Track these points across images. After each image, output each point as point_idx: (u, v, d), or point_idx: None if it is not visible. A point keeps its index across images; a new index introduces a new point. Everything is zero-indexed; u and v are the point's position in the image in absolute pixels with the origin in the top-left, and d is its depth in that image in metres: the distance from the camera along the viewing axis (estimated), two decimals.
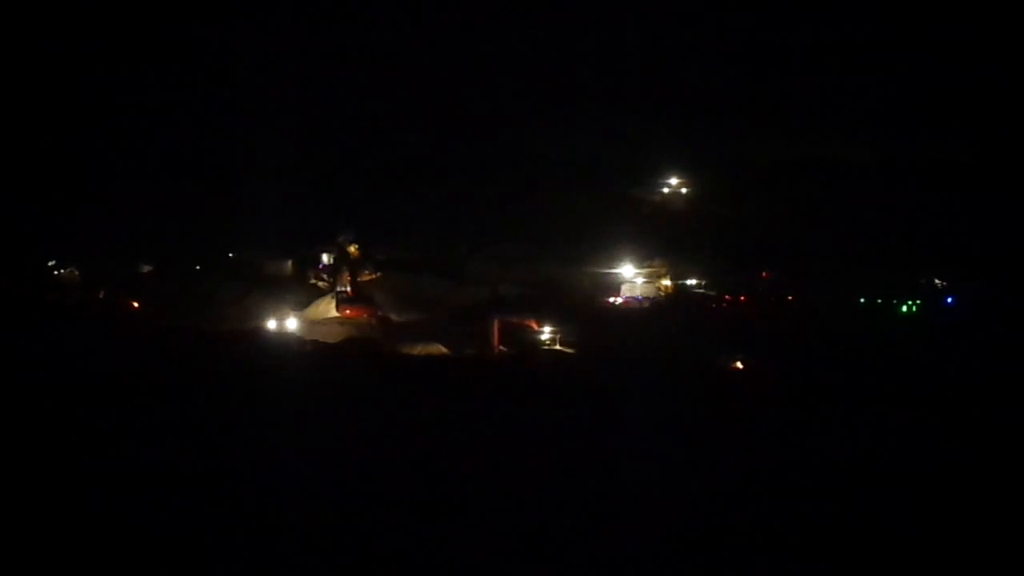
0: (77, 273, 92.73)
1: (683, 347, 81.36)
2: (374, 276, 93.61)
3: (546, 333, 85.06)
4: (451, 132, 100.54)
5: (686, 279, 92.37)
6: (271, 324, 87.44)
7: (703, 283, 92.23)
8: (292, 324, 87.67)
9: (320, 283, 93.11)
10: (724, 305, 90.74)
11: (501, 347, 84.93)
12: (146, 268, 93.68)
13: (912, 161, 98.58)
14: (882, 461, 59.86)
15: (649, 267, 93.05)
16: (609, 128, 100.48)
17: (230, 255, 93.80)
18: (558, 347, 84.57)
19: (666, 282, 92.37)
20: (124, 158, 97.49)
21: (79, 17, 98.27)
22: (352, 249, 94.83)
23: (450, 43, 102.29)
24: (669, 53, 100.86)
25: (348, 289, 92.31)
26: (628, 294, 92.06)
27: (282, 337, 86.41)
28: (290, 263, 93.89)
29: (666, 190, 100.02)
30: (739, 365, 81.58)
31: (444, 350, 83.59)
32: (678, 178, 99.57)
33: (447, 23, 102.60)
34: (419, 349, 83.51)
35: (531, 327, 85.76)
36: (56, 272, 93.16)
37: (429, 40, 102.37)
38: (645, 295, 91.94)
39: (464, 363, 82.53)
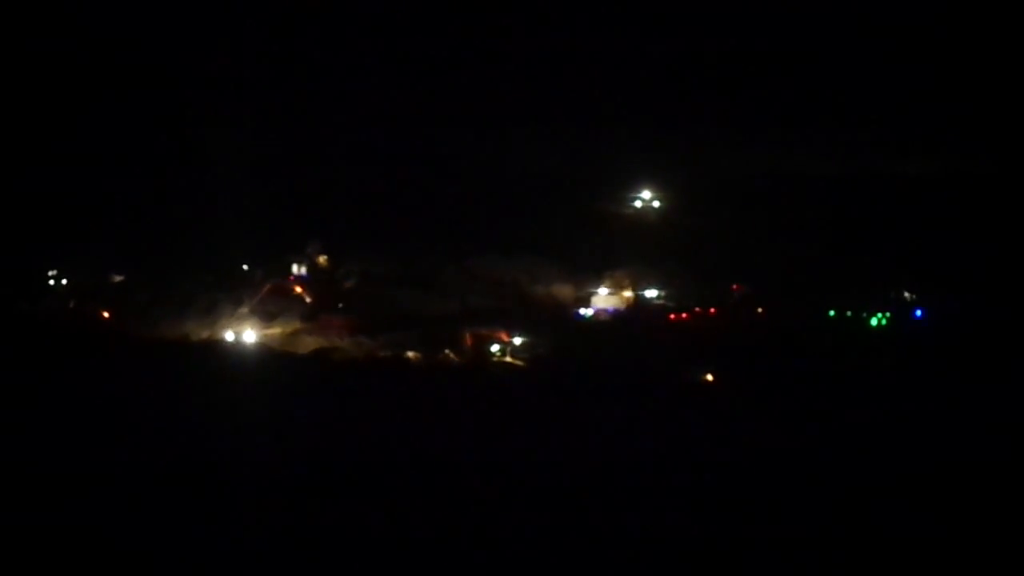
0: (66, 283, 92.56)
1: (646, 359, 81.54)
2: (345, 286, 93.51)
3: (496, 345, 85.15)
4: (423, 145, 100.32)
5: (647, 290, 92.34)
6: (240, 335, 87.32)
7: (662, 294, 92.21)
8: (261, 335, 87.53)
9: (291, 293, 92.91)
10: (685, 317, 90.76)
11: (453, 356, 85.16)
12: (118, 278, 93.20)
13: (882, 174, 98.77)
14: (852, 474, 60.18)
15: (619, 279, 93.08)
16: (581, 141, 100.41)
17: (201, 265, 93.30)
18: (508, 359, 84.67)
19: (628, 293, 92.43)
20: (92, 167, 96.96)
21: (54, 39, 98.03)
22: (322, 259, 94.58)
23: (423, 56, 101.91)
24: (641, 67, 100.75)
25: (308, 300, 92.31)
26: (599, 306, 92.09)
27: (250, 347, 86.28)
28: (261, 273, 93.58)
29: (638, 203, 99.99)
30: (709, 378, 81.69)
31: (412, 356, 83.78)
32: (650, 191, 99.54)
33: (420, 36, 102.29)
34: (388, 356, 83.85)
35: (502, 339, 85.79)
36: (53, 283, 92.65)
37: (402, 52, 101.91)
38: (615, 307, 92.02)
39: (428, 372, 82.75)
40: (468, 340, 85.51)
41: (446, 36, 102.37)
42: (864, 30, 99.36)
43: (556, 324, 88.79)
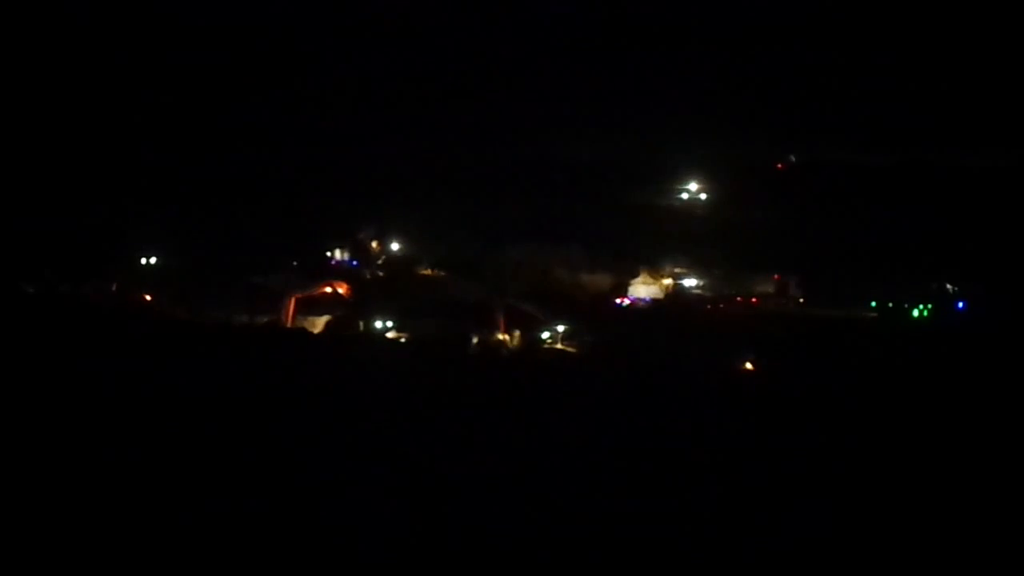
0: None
1: (688, 348, 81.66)
2: (390, 272, 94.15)
3: (547, 332, 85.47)
4: (464, 135, 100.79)
5: (688, 280, 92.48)
6: (284, 320, 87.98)
7: (702, 284, 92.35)
8: (304, 320, 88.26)
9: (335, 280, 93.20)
10: (722, 307, 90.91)
11: (506, 334, 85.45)
12: (159, 261, 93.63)
13: (924, 165, 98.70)
14: (892, 466, 60.19)
15: (660, 268, 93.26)
16: (623, 132, 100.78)
17: (245, 251, 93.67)
18: (559, 346, 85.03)
19: (667, 282, 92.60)
20: (136, 152, 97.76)
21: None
22: (374, 245, 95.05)
23: (466, 44, 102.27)
24: (684, 57, 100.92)
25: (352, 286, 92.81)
26: (635, 295, 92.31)
27: (294, 332, 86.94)
28: (306, 259, 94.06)
29: (681, 194, 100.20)
30: (749, 367, 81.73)
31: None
32: (692, 182, 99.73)
33: (464, 24, 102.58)
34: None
35: (536, 317, 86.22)
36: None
37: (446, 41, 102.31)
38: (652, 296, 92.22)
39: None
40: (504, 315, 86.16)
41: (492, 26, 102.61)
42: (912, 22, 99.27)
43: (596, 312, 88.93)
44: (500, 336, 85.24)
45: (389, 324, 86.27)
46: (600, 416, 67.63)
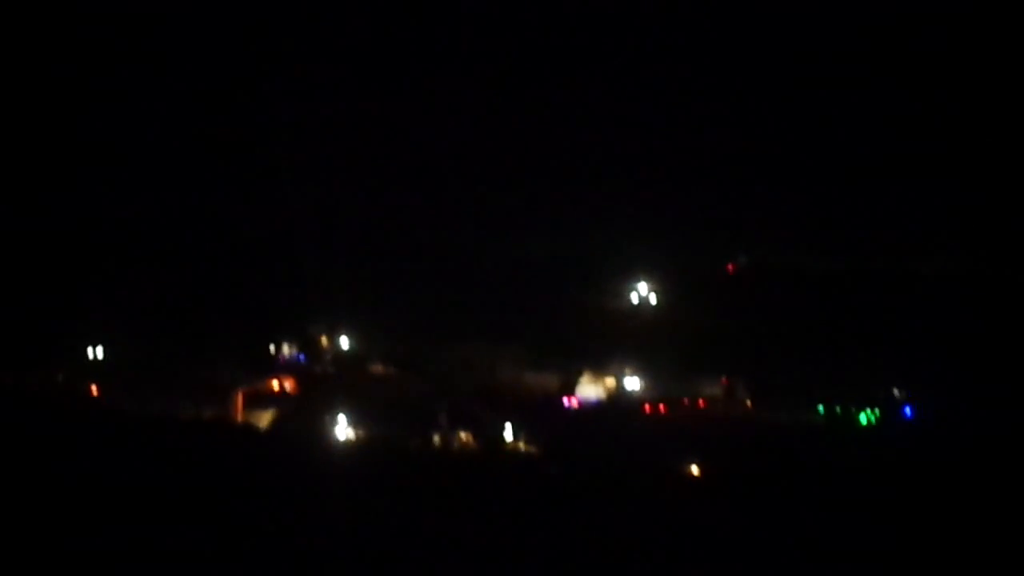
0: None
1: (634, 452, 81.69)
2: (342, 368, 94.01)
3: (508, 432, 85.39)
4: (414, 231, 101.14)
5: (631, 380, 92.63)
6: (231, 414, 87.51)
7: (647, 386, 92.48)
8: (251, 415, 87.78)
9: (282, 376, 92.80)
10: (663, 409, 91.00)
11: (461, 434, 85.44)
12: (104, 352, 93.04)
13: (872, 270, 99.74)
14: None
15: (603, 370, 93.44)
16: (572, 233, 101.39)
17: (193, 343, 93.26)
18: (521, 446, 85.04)
19: (610, 383, 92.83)
20: (83, 240, 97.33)
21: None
22: (323, 340, 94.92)
23: (414, 135, 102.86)
24: (636, 156, 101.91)
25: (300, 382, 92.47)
26: (582, 396, 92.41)
27: (240, 428, 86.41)
28: (252, 353, 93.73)
29: (629, 295, 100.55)
30: (694, 470, 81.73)
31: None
32: (639, 283, 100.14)
33: (408, 111, 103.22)
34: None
35: (483, 416, 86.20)
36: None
37: (392, 132, 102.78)
38: (598, 397, 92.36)
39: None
40: (448, 413, 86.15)
41: (439, 113, 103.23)
42: (855, 121, 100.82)
43: (542, 412, 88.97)
44: (461, 435, 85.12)
45: (344, 422, 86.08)
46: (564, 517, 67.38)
